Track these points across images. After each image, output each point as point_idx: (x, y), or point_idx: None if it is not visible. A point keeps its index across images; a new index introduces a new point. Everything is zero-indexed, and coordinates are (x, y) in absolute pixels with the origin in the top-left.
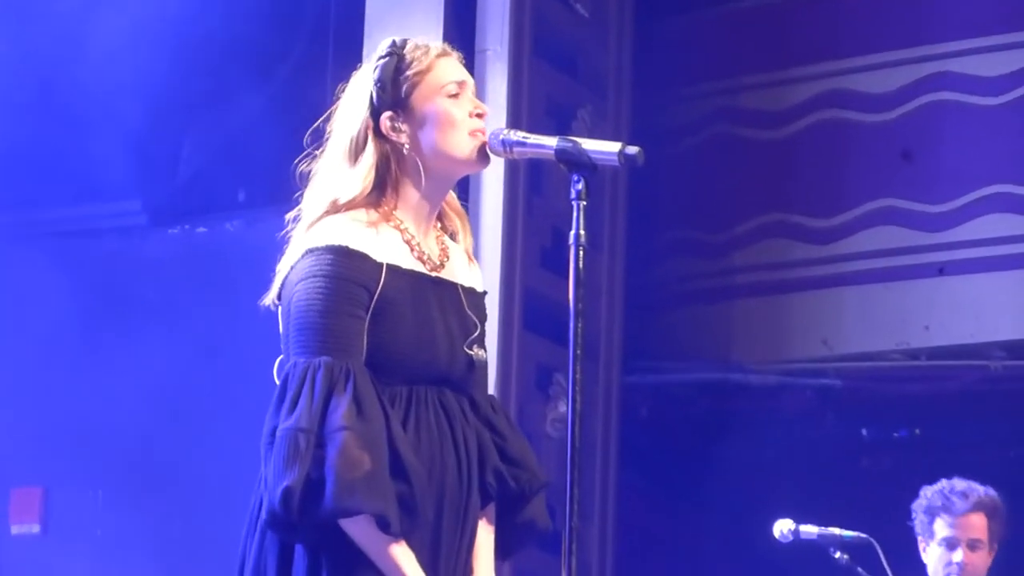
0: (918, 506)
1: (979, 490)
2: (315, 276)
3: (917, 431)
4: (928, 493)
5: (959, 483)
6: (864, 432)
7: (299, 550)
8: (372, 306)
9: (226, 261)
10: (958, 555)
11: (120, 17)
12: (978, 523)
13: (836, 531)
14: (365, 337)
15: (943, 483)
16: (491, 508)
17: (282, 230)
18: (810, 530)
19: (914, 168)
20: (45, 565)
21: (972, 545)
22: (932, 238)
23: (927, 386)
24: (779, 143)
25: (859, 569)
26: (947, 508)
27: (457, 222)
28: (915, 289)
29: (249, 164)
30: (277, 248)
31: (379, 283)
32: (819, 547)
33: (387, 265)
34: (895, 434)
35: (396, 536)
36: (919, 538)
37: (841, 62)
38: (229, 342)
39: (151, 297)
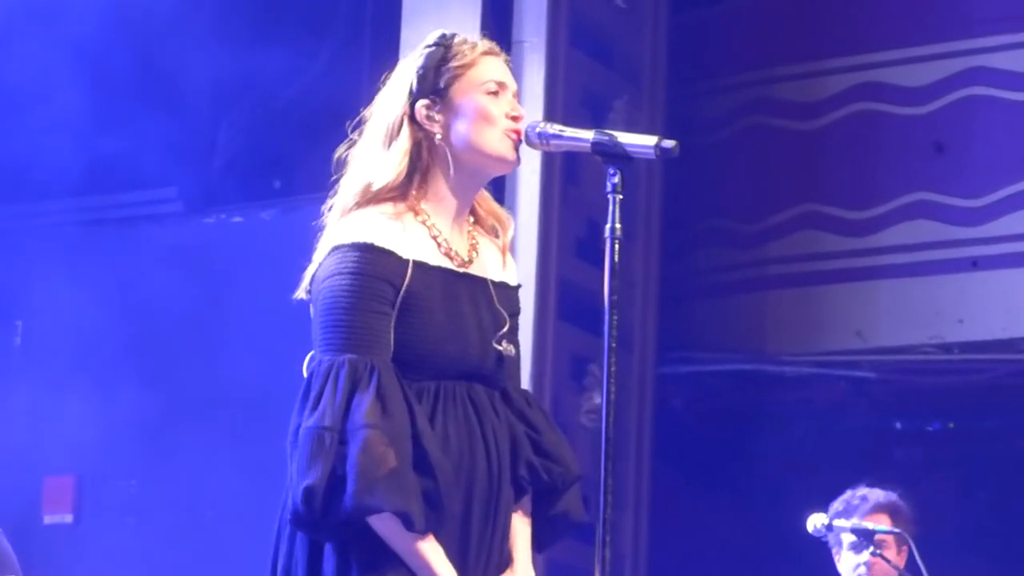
0: (831, 517)
1: (879, 493)
2: (340, 274)
3: (951, 424)
4: (833, 504)
5: (861, 489)
6: (897, 425)
7: (328, 549)
8: (399, 302)
9: (262, 249)
10: (864, 555)
11: (156, 6)
12: (882, 523)
13: (869, 526)
14: (392, 334)
15: (847, 492)
16: (527, 500)
17: (318, 219)
18: (843, 525)
19: (948, 162)
20: (78, 555)
21: (878, 545)
22: (966, 232)
23: (960, 379)
24: (813, 134)
25: (891, 563)
26: (850, 512)
27: (495, 224)
28: (948, 283)
29: (285, 153)
30: (313, 237)
31: (405, 279)
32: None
33: (413, 261)
34: (928, 427)
35: (421, 533)
36: (833, 551)
37: (876, 54)
38: (264, 332)
39: (186, 285)
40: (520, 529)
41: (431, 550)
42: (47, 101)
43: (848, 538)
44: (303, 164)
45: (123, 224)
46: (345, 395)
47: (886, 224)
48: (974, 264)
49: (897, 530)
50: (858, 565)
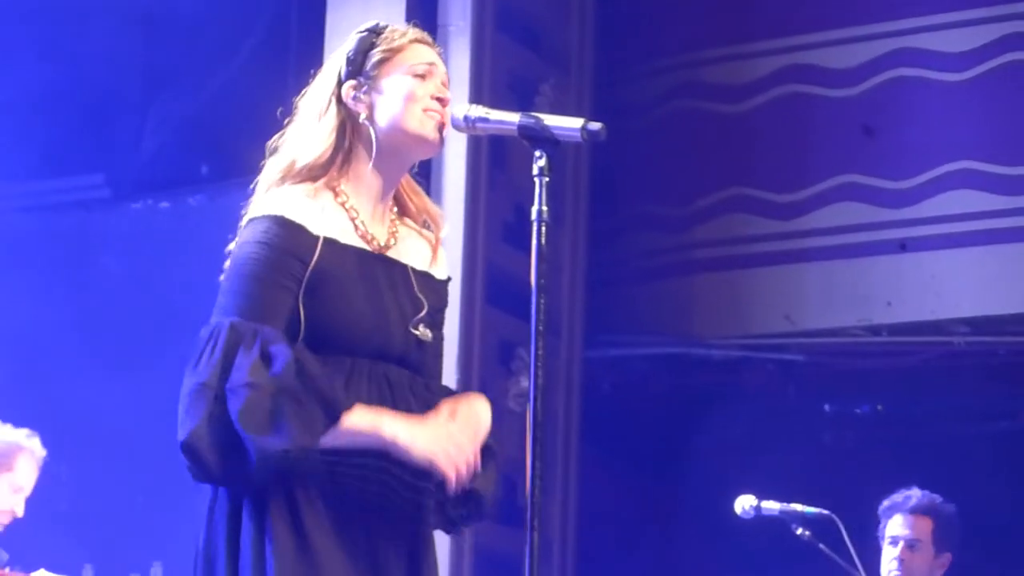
0: (880, 514)
1: (929, 495)
2: (248, 242)
3: (879, 407)
4: (883, 502)
5: (914, 490)
6: (826, 407)
7: (245, 527)
8: (307, 278)
9: (189, 235)
10: (896, 550)
11: None
12: (921, 525)
13: (798, 507)
14: (296, 306)
15: (902, 490)
16: None
17: (245, 204)
18: (771, 506)
19: (876, 144)
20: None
21: (911, 544)
22: (894, 214)
23: (889, 362)
24: (741, 117)
25: (821, 545)
26: (894, 508)
27: (427, 221)
28: (877, 265)
29: (212, 138)
30: (240, 222)
31: (314, 255)
32: (781, 523)
33: (324, 238)
34: (856, 410)
35: (333, 426)
36: (881, 544)
37: (804, 36)
38: (191, 317)
39: (114, 271)
40: None
41: (357, 417)
42: None
43: (890, 530)
44: (230, 150)
45: (51, 211)
46: (223, 353)
47: (814, 206)
48: (902, 246)
49: (826, 512)
50: (891, 559)
